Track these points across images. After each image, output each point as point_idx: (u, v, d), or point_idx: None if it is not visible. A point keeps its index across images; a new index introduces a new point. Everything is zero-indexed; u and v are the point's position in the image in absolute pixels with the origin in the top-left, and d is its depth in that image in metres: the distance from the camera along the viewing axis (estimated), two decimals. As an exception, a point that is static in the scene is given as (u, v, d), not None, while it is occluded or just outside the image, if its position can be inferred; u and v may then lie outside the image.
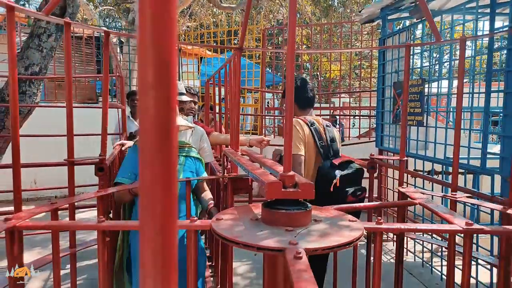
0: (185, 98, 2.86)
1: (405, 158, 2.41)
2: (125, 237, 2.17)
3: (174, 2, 0.28)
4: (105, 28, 2.13)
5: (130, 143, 2.89)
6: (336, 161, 2.14)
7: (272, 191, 1.15)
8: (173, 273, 0.29)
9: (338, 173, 2.07)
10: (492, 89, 2.83)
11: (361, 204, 2.07)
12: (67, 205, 2.01)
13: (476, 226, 1.38)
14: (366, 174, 2.55)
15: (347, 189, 2.08)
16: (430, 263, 3.77)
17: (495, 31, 2.84)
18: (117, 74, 4.71)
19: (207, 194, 2.27)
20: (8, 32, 1.37)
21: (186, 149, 2.26)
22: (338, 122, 9.65)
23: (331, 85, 9.51)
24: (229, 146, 2.55)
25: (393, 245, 4.15)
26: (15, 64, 1.35)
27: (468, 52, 4.91)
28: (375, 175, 2.68)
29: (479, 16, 3.12)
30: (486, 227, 1.47)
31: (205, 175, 2.38)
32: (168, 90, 0.28)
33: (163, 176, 0.29)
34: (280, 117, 8.30)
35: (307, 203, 1.24)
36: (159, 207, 0.29)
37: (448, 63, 3.85)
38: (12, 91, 1.36)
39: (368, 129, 6.97)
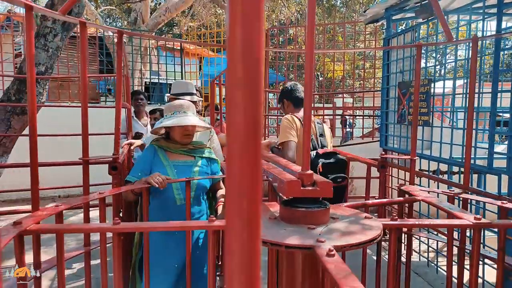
0: (196, 98, 2.87)
1: (415, 158, 2.42)
2: (141, 236, 2.18)
3: (262, 1, 0.29)
4: (119, 28, 2.14)
5: (138, 142, 2.90)
6: (321, 151, 2.35)
7: (291, 189, 1.16)
8: (258, 266, 0.30)
9: (320, 161, 2.29)
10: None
11: (370, 201, 2.11)
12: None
13: (484, 220, 1.40)
14: (376, 174, 2.57)
15: (329, 175, 2.26)
16: (435, 262, 3.78)
17: (502, 31, 2.85)
18: (123, 73, 4.71)
19: (220, 192, 2.28)
20: (26, 32, 1.37)
21: (203, 149, 2.27)
22: (348, 122, 9.66)
23: (333, 85, 9.52)
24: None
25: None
26: (33, 63, 1.36)
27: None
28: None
29: (485, 16, 3.13)
30: (493, 222, 1.49)
31: (220, 174, 2.39)
32: (257, 85, 0.29)
33: (250, 170, 0.29)
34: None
35: (325, 201, 1.25)
36: (246, 201, 0.29)
37: (451, 63, 3.86)
38: (30, 90, 1.36)
39: (371, 129, 6.98)
